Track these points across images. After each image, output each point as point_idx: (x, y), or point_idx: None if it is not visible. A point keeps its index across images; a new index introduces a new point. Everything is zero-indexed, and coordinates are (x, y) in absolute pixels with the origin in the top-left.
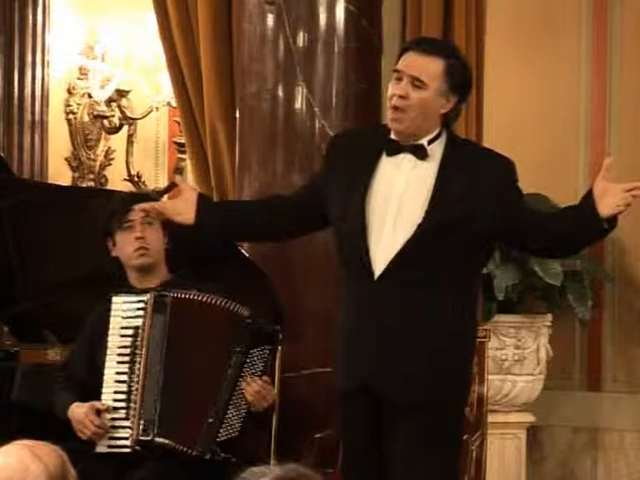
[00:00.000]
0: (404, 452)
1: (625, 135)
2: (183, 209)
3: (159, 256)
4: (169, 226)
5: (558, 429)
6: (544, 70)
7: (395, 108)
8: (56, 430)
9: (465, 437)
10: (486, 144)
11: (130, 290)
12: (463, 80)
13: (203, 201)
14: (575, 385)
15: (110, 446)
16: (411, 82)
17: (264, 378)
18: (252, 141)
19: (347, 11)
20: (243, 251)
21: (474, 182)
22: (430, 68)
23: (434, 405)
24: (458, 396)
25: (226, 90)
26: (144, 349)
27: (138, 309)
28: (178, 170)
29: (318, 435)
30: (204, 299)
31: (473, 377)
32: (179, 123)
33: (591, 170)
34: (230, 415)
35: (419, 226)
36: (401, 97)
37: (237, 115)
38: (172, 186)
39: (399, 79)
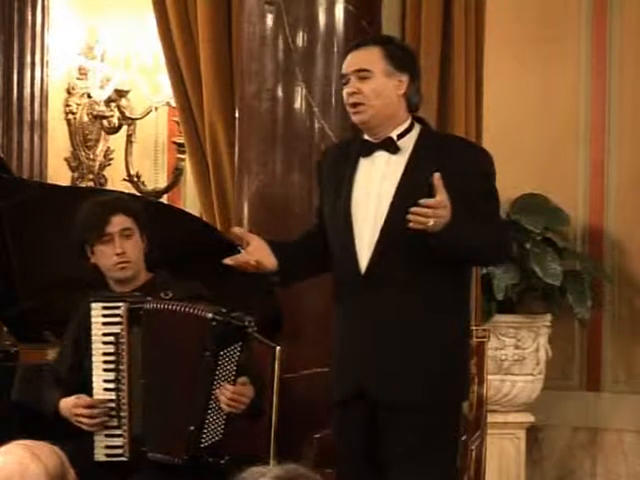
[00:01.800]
0: (401, 455)
1: (625, 135)
2: (261, 257)
3: (139, 265)
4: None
5: (557, 429)
6: (544, 70)
7: (353, 105)
8: (56, 431)
9: (464, 437)
10: (486, 144)
11: (107, 296)
12: (405, 57)
13: (276, 246)
14: (574, 385)
15: (108, 455)
16: (357, 77)
17: (240, 380)
18: (251, 141)
19: (346, 11)
20: (242, 251)
21: (441, 170)
22: (368, 56)
23: (428, 406)
24: (454, 396)
25: (225, 90)
26: (126, 363)
27: (115, 315)
28: (177, 170)
29: (318, 435)
30: (174, 307)
31: (472, 377)
32: (178, 123)
33: (591, 170)
34: (210, 420)
35: (385, 220)
36: (354, 94)
37: (236, 115)
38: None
39: (347, 81)
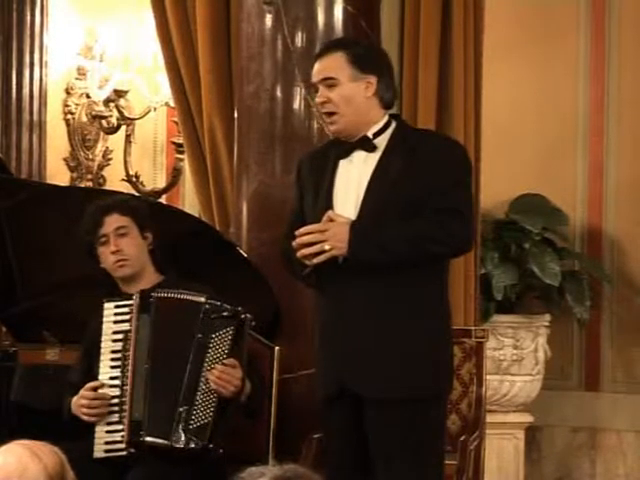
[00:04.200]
0: (387, 451)
1: (624, 135)
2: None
3: (141, 263)
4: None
5: (556, 429)
6: (543, 70)
7: (326, 115)
8: (55, 430)
9: (463, 437)
10: (485, 144)
11: (120, 295)
12: (370, 57)
13: None
14: (573, 385)
15: (107, 450)
16: (325, 86)
17: (227, 361)
18: (250, 141)
19: (345, 11)
20: (242, 252)
21: (411, 164)
22: (333, 63)
23: (410, 401)
24: (436, 389)
25: (224, 90)
26: (132, 349)
27: (127, 313)
28: (176, 170)
29: (317, 435)
30: (174, 295)
31: (471, 377)
32: (177, 123)
33: (590, 170)
34: (199, 402)
35: (357, 214)
36: (324, 103)
37: (235, 115)
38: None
39: (316, 90)
